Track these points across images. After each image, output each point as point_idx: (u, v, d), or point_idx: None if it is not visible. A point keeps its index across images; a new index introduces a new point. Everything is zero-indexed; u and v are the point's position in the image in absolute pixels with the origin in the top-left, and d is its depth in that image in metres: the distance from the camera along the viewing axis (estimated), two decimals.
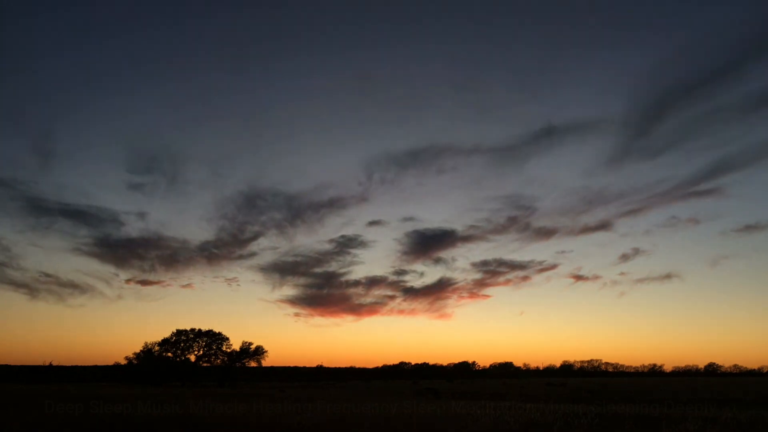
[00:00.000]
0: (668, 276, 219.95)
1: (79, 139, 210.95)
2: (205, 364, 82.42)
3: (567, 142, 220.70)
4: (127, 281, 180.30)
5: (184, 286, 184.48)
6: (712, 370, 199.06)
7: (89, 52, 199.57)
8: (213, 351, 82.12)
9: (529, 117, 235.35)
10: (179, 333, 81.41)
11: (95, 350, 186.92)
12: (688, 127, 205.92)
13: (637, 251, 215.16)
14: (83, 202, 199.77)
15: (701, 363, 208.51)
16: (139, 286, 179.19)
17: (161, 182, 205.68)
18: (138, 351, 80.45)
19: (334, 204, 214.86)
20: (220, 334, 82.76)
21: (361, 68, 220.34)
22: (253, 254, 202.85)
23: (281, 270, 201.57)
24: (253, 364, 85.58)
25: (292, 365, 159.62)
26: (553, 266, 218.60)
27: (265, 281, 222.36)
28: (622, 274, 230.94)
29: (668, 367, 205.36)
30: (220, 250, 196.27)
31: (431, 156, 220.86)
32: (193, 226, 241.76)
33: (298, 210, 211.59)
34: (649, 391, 56.88)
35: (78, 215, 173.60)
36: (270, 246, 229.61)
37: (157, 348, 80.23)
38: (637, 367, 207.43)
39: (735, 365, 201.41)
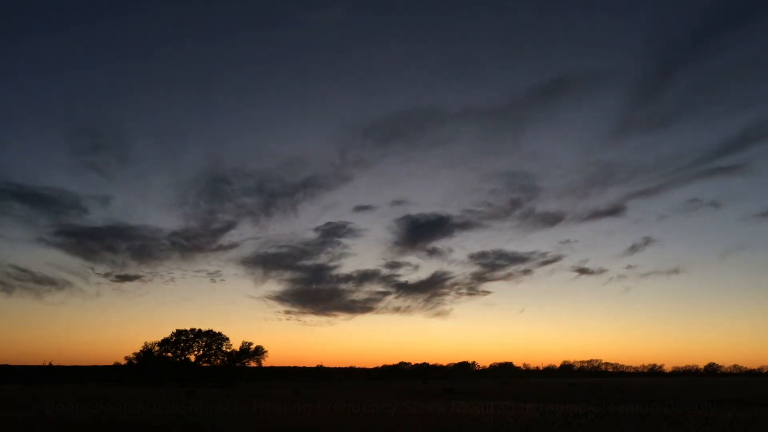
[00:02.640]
0: (675, 271, 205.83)
1: (10, 111, 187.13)
2: (205, 364, 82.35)
3: (569, 103, 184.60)
4: (105, 276, 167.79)
5: (166, 282, 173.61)
6: (712, 370, 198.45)
7: (8, 13, 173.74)
8: (213, 351, 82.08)
9: (524, 75, 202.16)
10: (179, 333, 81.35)
11: (87, 350, 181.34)
12: (708, 84, 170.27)
13: (648, 240, 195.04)
14: (33, 183, 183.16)
15: (701, 363, 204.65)
16: (118, 282, 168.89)
17: (111, 160, 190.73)
18: (138, 351, 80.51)
19: (309, 185, 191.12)
20: (219, 334, 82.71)
21: (329, 29, 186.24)
22: (232, 246, 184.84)
23: (264, 263, 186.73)
24: (253, 364, 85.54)
25: (287, 365, 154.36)
26: (557, 258, 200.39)
27: (246, 275, 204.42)
28: (629, 267, 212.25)
29: (668, 367, 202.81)
30: (191, 242, 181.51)
31: (414, 124, 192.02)
32: (156, 213, 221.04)
33: (271, 194, 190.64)
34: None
35: (34, 199, 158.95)
36: (247, 236, 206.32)
37: (156, 348, 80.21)
38: (637, 367, 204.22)
39: (735, 365, 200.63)
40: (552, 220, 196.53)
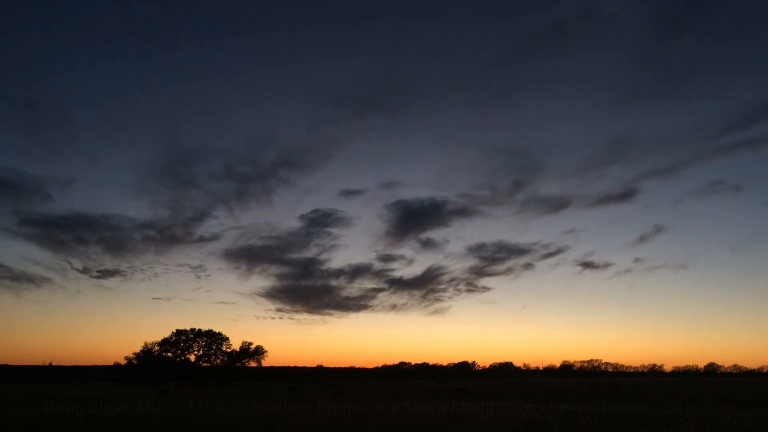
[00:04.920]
0: (683, 266, 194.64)
1: None
2: (205, 364, 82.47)
3: (568, 59, 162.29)
4: (84, 271, 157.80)
5: (150, 278, 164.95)
6: (712, 370, 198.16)
7: None
8: (213, 351, 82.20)
9: (516, 21, 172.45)
10: (179, 333, 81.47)
11: (82, 350, 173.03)
12: (733, 36, 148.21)
13: (659, 228, 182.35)
14: None
15: (701, 363, 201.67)
16: (98, 279, 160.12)
17: (57, 137, 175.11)
18: (138, 351, 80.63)
19: (284, 166, 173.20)
20: (219, 333, 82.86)
21: None
22: (213, 237, 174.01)
23: (248, 256, 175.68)
24: (253, 364, 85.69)
25: (285, 365, 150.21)
26: (560, 250, 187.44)
27: (230, 269, 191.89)
28: (636, 260, 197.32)
29: (668, 367, 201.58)
30: (164, 233, 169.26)
31: (393, 91, 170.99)
32: (118, 199, 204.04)
33: (243, 179, 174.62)
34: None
35: None
36: (226, 227, 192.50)
37: (156, 348, 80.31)
38: (637, 367, 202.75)
39: (735, 365, 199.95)
40: (556, 205, 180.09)
